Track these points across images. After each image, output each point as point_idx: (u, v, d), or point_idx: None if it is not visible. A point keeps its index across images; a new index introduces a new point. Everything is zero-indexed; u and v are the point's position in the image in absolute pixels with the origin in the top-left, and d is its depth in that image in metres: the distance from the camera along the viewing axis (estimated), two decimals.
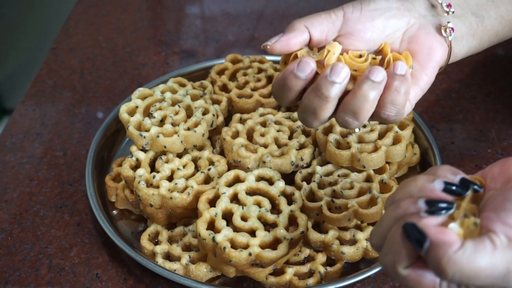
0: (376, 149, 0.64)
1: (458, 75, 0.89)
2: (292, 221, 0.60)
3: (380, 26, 0.53)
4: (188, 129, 0.67)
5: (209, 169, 0.66)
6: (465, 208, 0.41)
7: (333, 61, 0.51)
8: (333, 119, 0.69)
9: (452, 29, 0.54)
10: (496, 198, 0.41)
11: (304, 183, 0.64)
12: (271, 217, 0.59)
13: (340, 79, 0.49)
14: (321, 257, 0.62)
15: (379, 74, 0.49)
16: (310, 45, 0.53)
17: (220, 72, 0.80)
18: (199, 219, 0.59)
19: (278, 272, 0.61)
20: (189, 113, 0.70)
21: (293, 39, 0.53)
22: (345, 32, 0.53)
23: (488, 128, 0.81)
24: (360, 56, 0.52)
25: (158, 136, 0.66)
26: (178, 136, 0.66)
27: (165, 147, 0.66)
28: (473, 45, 0.57)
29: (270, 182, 0.63)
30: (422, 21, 0.54)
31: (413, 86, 0.53)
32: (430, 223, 0.39)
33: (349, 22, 0.53)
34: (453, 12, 0.55)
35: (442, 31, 0.54)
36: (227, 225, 0.59)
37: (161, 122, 0.68)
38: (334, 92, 0.49)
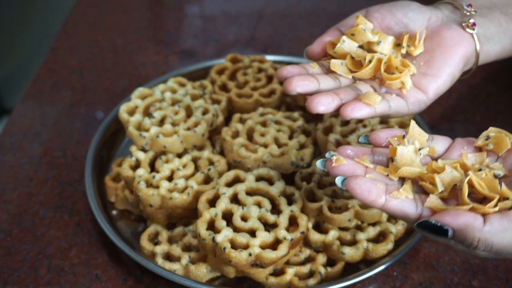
0: None
1: None
2: (293, 222, 0.60)
3: (398, 16, 0.57)
4: (188, 129, 0.67)
5: (209, 169, 0.66)
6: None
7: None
8: (333, 119, 0.69)
9: (474, 23, 0.55)
10: None
11: (304, 183, 0.64)
12: (271, 217, 0.59)
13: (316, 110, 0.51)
14: (321, 258, 0.62)
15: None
16: None
17: (220, 72, 0.80)
18: (199, 219, 0.59)
19: (278, 273, 0.61)
20: (189, 113, 0.70)
21: (326, 37, 0.57)
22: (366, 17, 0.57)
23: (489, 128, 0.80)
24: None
25: (158, 136, 0.66)
26: (178, 136, 0.66)
27: (165, 147, 0.66)
28: (507, 43, 0.57)
29: (270, 182, 0.63)
30: (445, 19, 0.57)
31: (434, 78, 0.54)
32: (448, 213, 0.41)
33: (370, 12, 0.58)
34: (475, 12, 0.57)
35: (464, 26, 0.55)
36: (227, 225, 0.58)
37: (161, 122, 0.68)
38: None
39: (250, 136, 0.69)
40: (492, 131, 0.49)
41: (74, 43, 0.99)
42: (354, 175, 0.46)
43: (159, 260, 0.61)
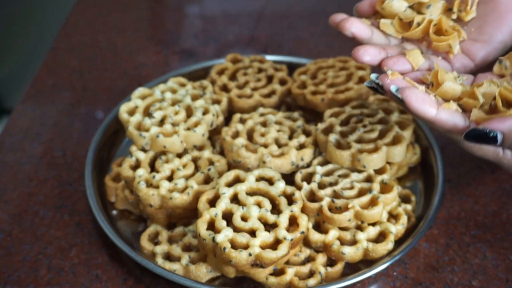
0: (376, 149, 0.64)
1: None
2: (293, 222, 0.60)
3: None
4: (188, 129, 0.67)
5: (209, 169, 0.66)
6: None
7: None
8: (333, 119, 0.69)
9: None
10: None
11: (305, 183, 0.64)
12: (271, 217, 0.59)
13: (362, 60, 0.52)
14: (321, 258, 0.62)
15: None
16: None
17: (220, 72, 0.80)
18: (199, 219, 0.59)
19: (278, 273, 0.61)
20: (189, 113, 0.70)
21: None
22: None
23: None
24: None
25: (158, 136, 0.66)
26: (178, 136, 0.66)
27: (165, 147, 0.66)
28: None
29: (270, 182, 0.63)
30: None
31: (484, 44, 0.53)
32: (495, 119, 0.43)
33: None
34: None
35: None
36: (227, 225, 0.58)
37: (161, 122, 0.68)
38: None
39: (250, 136, 0.69)
40: (503, 57, 0.51)
41: (74, 43, 0.99)
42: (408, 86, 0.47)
43: (159, 260, 0.61)
